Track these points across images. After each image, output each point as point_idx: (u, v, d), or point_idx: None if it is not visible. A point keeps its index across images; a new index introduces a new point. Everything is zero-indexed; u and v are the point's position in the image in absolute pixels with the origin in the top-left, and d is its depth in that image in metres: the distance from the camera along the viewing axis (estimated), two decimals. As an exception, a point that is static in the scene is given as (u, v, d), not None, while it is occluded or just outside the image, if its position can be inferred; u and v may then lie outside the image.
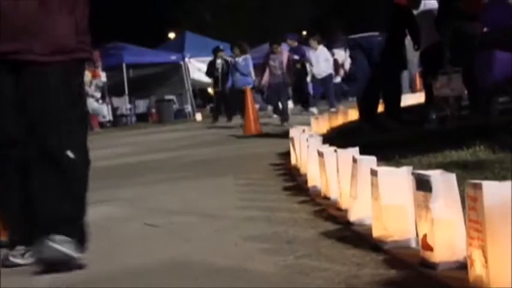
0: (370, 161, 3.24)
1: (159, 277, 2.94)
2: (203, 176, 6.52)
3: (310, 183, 4.60)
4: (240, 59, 14.35)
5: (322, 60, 17.39)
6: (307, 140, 4.99)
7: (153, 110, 23.39)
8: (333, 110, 15.70)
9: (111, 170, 8.29)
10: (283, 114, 14.08)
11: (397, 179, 2.77)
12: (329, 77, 17.76)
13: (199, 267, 3.00)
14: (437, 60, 8.13)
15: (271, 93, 14.80)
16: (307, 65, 17.98)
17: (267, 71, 14.75)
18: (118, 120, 22.73)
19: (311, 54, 17.65)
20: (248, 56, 14.91)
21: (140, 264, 3.20)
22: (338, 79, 21.55)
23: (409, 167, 2.79)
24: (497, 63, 7.00)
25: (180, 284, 2.79)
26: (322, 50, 17.75)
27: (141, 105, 24.39)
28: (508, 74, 6.93)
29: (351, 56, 9.66)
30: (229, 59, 15.94)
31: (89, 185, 3.33)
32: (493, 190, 2.00)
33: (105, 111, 21.89)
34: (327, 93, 18.01)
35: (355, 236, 3.13)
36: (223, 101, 16.56)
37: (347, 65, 18.13)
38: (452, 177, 2.38)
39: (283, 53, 14.87)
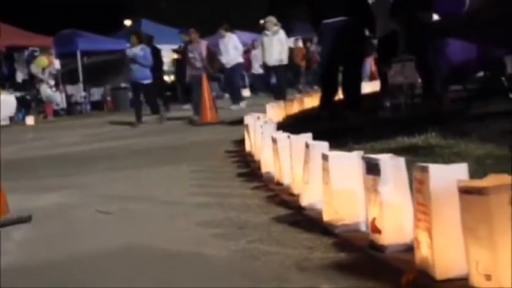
0: (322, 146, 3.26)
1: (112, 262, 2.92)
2: (157, 164, 6.49)
3: (263, 169, 4.62)
4: (137, 49, 13.03)
5: (231, 48, 16.17)
6: (261, 126, 5.01)
7: (108, 98, 23.14)
8: (233, 107, 14.77)
9: (65, 158, 8.20)
10: (195, 108, 12.51)
11: (348, 163, 2.79)
12: (237, 67, 16.35)
13: (152, 252, 3.00)
14: (392, 49, 8.18)
15: (192, 86, 13.05)
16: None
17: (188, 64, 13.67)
18: (72, 108, 22.43)
19: (220, 42, 16.34)
20: (145, 46, 13.54)
21: (92, 250, 3.18)
22: (260, 70, 20.59)
23: (359, 152, 2.81)
24: (450, 50, 7.12)
25: (132, 269, 2.78)
26: (230, 37, 16.44)
27: (96, 93, 24.10)
28: (460, 61, 7.06)
29: (320, 42, 9.49)
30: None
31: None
32: (439, 173, 2.03)
33: (58, 99, 21.58)
34: (233, 85, 16.48)
35: (306, 221, 3.16)
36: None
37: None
38: (401, 161, 2.41)
39: (201, 43, 13.92)
